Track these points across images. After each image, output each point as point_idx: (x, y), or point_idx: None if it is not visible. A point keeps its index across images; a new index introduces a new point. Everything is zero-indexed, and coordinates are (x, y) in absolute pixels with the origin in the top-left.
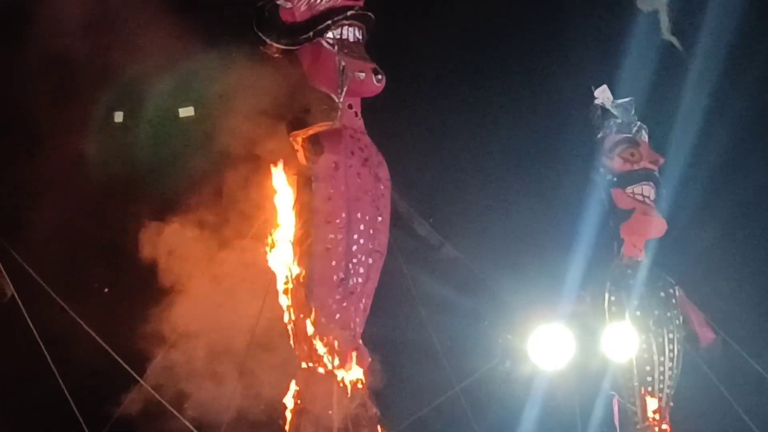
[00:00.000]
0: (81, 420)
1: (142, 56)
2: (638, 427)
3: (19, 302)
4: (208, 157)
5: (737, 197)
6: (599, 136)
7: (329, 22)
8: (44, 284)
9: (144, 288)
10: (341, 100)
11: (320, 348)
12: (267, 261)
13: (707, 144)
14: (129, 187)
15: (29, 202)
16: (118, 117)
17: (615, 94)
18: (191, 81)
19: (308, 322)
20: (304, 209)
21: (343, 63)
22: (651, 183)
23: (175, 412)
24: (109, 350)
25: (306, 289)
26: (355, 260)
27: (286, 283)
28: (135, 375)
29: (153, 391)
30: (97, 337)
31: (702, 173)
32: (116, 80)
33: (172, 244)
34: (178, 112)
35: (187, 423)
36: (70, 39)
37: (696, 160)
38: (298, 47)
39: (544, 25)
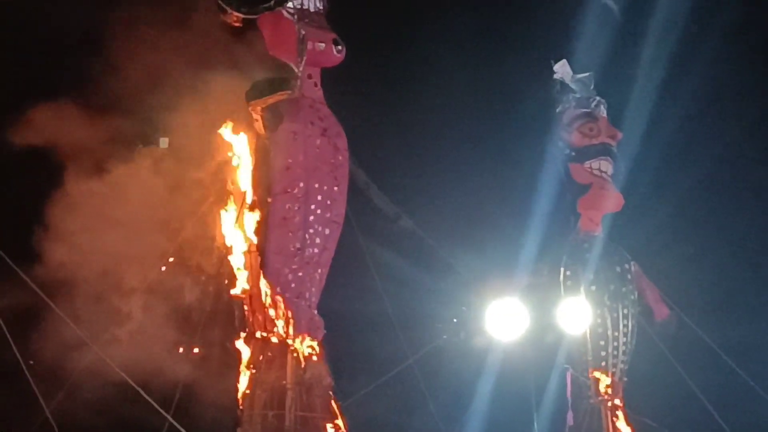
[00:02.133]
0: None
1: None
2: (591, 401)
3: None
4: (166, 124)
5: (694, 172)
6: (558, 110)
7: None
8: None
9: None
10: (301, 69)
11: (275, 317)
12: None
13: (663, 119)
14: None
15: None
16: None
17: (574, 69)
18: (151, 49)
19: (263, 292)
20: (262, 178)
21: (303, 32)
22: (609, 158)
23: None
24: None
25: (262, 258)
26: (311, 230)
27: (243, 252)
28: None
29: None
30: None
31: (658, 148)
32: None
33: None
34: None
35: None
36: None
37: (652, 135)
38: (258, 16)
39: None
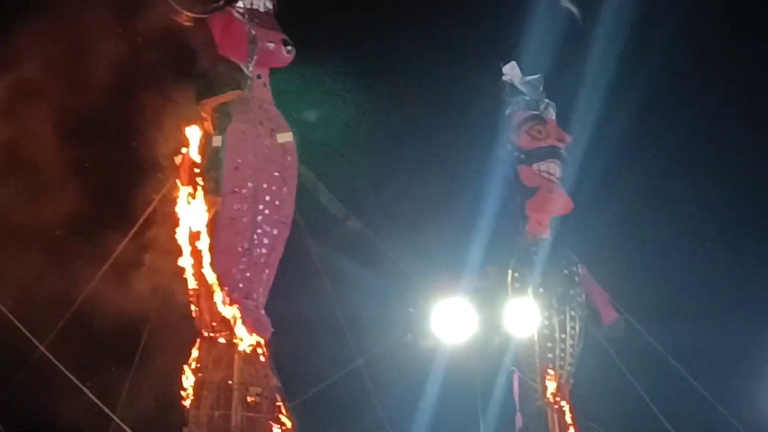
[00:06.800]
0: None
1: None
2: (538, 403)
3: None
4: (117, 122)
5: (642, 176)
6: (507, 112)
7: None
8: None
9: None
10: (251, 70)
11: (222, 317)
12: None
13: (612, 122)
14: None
15: None
16: None
17: (523, 71)
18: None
19: (211, 291)
20: (211, 178)
21: (253, 32)
22: (557, 160)
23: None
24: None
25: (210, 258)
26: (260, 231)
27: (191, 252)
28: None
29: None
30: None
31: (607, 152)
32: None
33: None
34: None
35: None
36: None
37: (601, 139)
38: (209, 16)
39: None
